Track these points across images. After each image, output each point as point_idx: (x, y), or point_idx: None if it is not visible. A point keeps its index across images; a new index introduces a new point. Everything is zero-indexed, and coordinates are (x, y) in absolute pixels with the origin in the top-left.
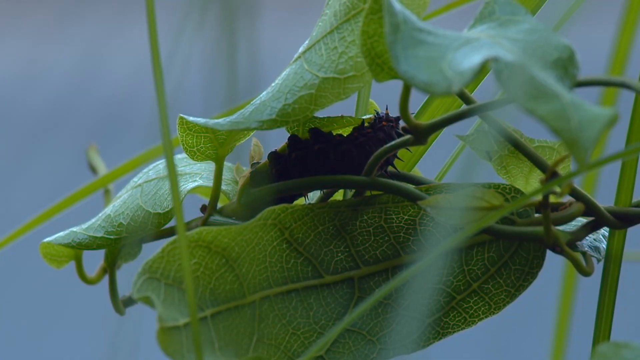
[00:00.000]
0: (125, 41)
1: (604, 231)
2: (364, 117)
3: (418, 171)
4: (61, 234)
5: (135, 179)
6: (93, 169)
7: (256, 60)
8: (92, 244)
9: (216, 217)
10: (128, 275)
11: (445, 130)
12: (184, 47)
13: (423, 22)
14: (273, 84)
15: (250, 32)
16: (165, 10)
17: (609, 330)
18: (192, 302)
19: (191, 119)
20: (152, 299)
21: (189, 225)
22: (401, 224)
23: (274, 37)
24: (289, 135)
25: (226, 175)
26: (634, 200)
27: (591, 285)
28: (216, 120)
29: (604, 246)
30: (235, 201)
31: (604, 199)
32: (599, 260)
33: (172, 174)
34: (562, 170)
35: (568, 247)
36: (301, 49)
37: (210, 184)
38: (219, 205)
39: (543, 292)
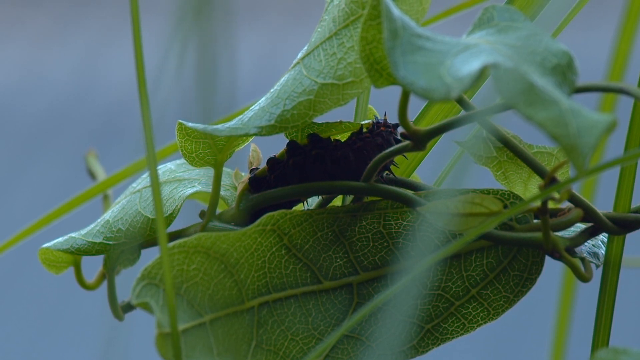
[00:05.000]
0: (124, 46)
1: (603, 237)
2: (363, 123)
3: (417, 177)
4: (60, 239)
5: (134, 185)
6: (92, 175)
7: (234, 76)
8: (91, 249)
9: (215, 223)
10: (127, 280)
11: (444, 135)
12: (172, 59)
13: (422, 28)
14: (272, 90)
15: (229, 48)
16: (162, 13)
17: (608, 336)
18: (171, 307)
19: (190, 124)
20: (151, 304)
21: (187, 231)
22: (400, 230)
23: (273, 43)
24: (288, 141)
25: (225, 180)
26: (633, 206)
27: (590, 291)
28: (215, 126)
29: (603, 252)
30: (234, 207)
31: (603, 205)
32: (597, 266)
33: (156, 185)
34: (560, 176)
35: (567, 253)
36: (300, 55)
37: (209, 189)
38: (218, 211)
39: (542, 298)
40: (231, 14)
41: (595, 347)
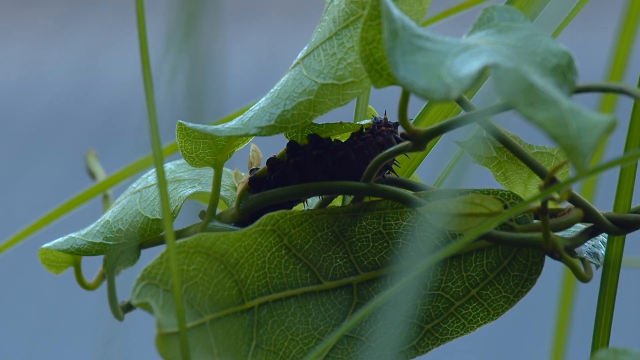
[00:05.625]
0: (124, 46)
1: (603, 237)
2: (363, 123)
3: (417, 177)
4: (60, 239)
5: (134, 185)
6: (92, 175)
7: (223, 82)
8: (90, 249)
9: (215, 223)
10: (127, 281)
11: (444, 135)
12: (167, 62)
13: (422, 28)
14: (272, 90)
15: (219, 54)
16: (162, 14)
17: (608, 337)
18: (180, 307)
19: (190, 125)
20: (151, 305)
21: (187, 232)
22: (400, 230)
23: (273, 43)
24: (288, 141)
25: (225, 181)
26: (633, 206)
27: (590, 292)
28: (215, 126)
29: (603, 252)
30: (234, 207)
31: (603, 205)
32: (597, 267)
33: (162, 184)
34: (560, 176)
35: (567, 253)
36: (300, 55)
37: (209, 189)
38: (218, 211)
39: (542, 298)
40: (222, 19)
41: (595, 347)
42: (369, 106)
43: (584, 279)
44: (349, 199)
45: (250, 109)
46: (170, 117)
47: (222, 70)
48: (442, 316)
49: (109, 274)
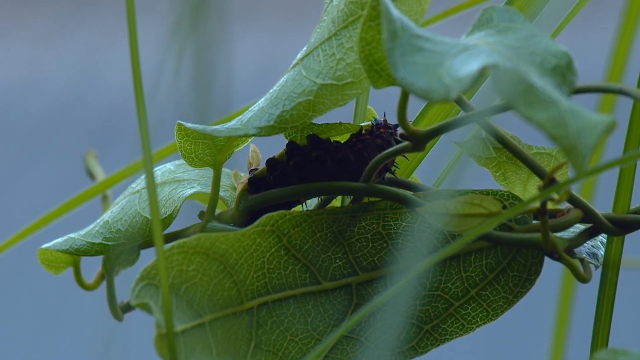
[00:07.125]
0: (124, 47)
1: (602, 238)
2: (362, 124)
3: (416, 177)
4: (59, 240)
5: (133, 185)
6: (91, 175)
7: (231, 78)
8: (90, 250)
9: (214, 224)
10: (126, 281)
11: (443, 136)
12: (170, 60)
13: (421, 28)
14: (271, 91)
15: (225, 50)
16: (162, 14)
17: (607, 337)
18: (167, 308)
19: (189, 125)
20: (150, 305)
21: (187, 232)
22: (399, 231)
23: (272, 44)
24: (287, 141)
25: (224, 181)
26: (632, 207)
27: (589, 292)
28: (214, 127)
29: (602, 253)
30: (234, 207)
31: (602, 206)
32: (596, 267)
33: (152, 186)
34: (560, 177)
35: (566, 253)
36: (299, 56)
37: (209, 190)
38: (217, 211)
39: (541, 298)
40: (227, 15)
41: (594, 348)
42: (369, 107)
43: (584, 279)
44: (348, 199)
45: (250, 109)
46: (173, 116)
47: (228, 65)
48: (442, 317)
49: (108, 274)
